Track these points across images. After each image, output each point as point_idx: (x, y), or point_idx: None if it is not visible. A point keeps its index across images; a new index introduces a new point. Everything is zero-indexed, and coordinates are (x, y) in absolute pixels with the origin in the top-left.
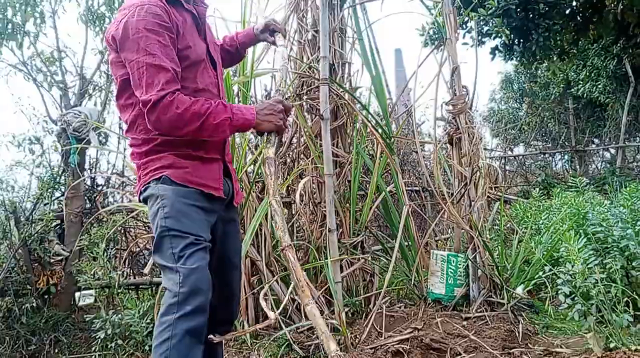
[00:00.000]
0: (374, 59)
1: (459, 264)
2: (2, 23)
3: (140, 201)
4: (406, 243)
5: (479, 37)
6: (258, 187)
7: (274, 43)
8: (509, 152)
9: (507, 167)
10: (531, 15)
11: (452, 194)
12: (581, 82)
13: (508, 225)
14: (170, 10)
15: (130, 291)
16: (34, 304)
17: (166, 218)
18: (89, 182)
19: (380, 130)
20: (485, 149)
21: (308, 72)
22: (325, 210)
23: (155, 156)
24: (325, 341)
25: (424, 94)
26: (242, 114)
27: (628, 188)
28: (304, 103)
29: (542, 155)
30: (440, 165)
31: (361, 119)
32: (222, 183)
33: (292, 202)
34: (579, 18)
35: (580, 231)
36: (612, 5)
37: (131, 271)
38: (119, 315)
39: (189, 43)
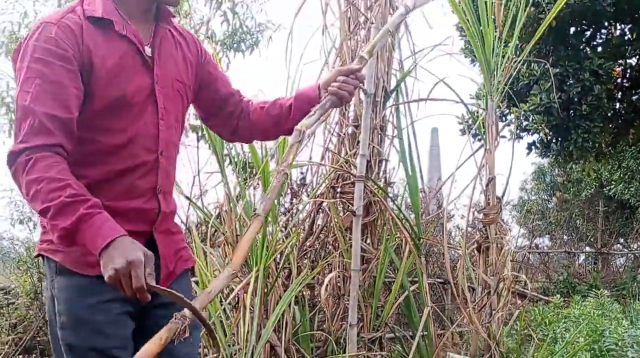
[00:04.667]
0: (411, 159)
1: None
2: None
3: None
4: (423, 343)
5: (517, 132)
6: (285, 273)
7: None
8: (534, 245)
9: (530, 257)
10: (572, 115)
11: (474, 300)
12: (614, 183)
13: (525, 331)
14: (85, 32)
15: None
16: None
17: (63, 330)
18: None
19: (410, 230)
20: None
21: (344, 166)
22: (347, 303)
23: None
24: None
25: (459, 196)
26: (90, 236)
27: None
28: (338, 197)
29: (566, 254)
30: (465, 272)
31: (392, 217)
32: None
33: (317, 285)
34: (619, 121)
35: (595, 347)
36: None
37: None
38: None
39: (114, 78)
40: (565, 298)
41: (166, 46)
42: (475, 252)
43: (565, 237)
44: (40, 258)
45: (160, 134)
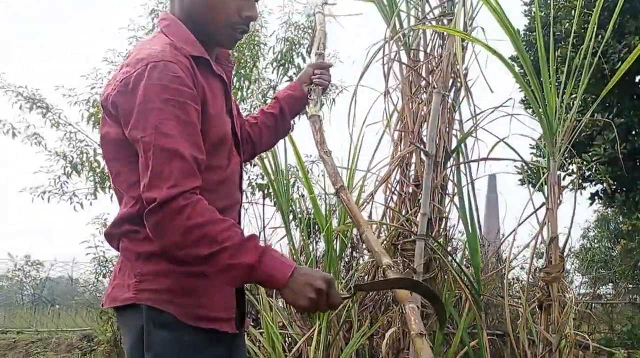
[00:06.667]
0: (472, 218)
1: None
2: None
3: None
4: None
5: (580, 182)
6: (346, 327)
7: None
8: (597, 295)
9: (594, 306)
10: (639, 165)
11: (535, 356)
12: None
13: None
14: (196, 70)
15: None
16: None
17: None
18: None
19: (469, 286)
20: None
21: (405, 224)
22: (407, 357)
23: (155, 267)
24: (377, 257)
25: (519, 253)
26: (273, 268)
27: None
28: (399, 254)
29: (630, 305)
30: (526, 329)
31: (452, 273)
32: (235, 310)
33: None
34: None
35: None
36: None
37: None
38: None
39: (218, 118)
40: (630, 351)
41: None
42: (537, 309)
43: (630, 286)
44: (128, 308)
45: (242, 170)
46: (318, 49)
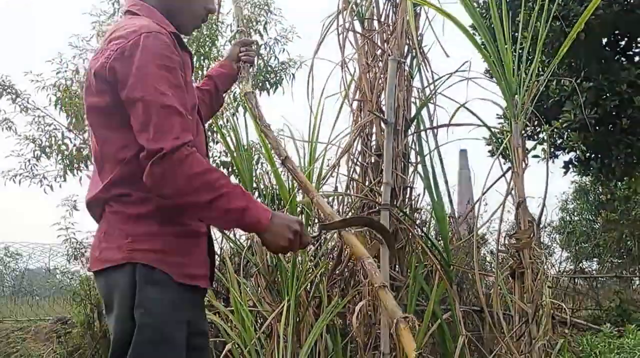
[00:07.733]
0: (436, 186)
1: None
2: None
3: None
4: None
5: (552, 150)
6: (315, 302)
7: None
8: (579, 269)
9: (578, 282)
10: (611, 130)
11: (512, 329)
12: None
13: None
14: (175, 42)
15: None
16: None
17: (142, 346)
18: None
19: (439, 257)
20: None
21: (370, 195)
22: (379, 332)
23: (146, 228)
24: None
25: (489, 221)
26: (258, 211)
27: None
28: None
29: (617, 279)
30: (500, 300)
31: (420, 245)
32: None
33: (348, 314)
34: None
35: None
36: None
37: None
38: None
39: (189, 87)
40: (619, 328)
41: None
42: (510, 278)
43: (616, 260)
44: (118, 268)
45: (208, 145)
46: (239, 26)
